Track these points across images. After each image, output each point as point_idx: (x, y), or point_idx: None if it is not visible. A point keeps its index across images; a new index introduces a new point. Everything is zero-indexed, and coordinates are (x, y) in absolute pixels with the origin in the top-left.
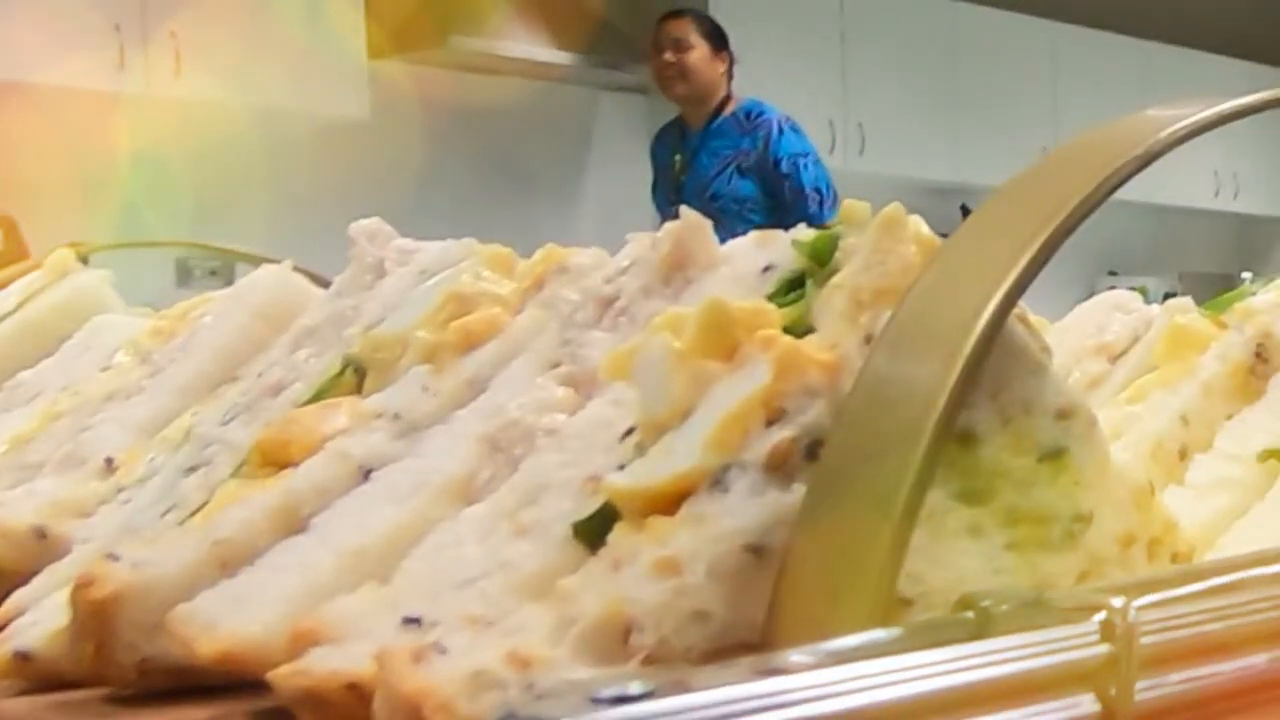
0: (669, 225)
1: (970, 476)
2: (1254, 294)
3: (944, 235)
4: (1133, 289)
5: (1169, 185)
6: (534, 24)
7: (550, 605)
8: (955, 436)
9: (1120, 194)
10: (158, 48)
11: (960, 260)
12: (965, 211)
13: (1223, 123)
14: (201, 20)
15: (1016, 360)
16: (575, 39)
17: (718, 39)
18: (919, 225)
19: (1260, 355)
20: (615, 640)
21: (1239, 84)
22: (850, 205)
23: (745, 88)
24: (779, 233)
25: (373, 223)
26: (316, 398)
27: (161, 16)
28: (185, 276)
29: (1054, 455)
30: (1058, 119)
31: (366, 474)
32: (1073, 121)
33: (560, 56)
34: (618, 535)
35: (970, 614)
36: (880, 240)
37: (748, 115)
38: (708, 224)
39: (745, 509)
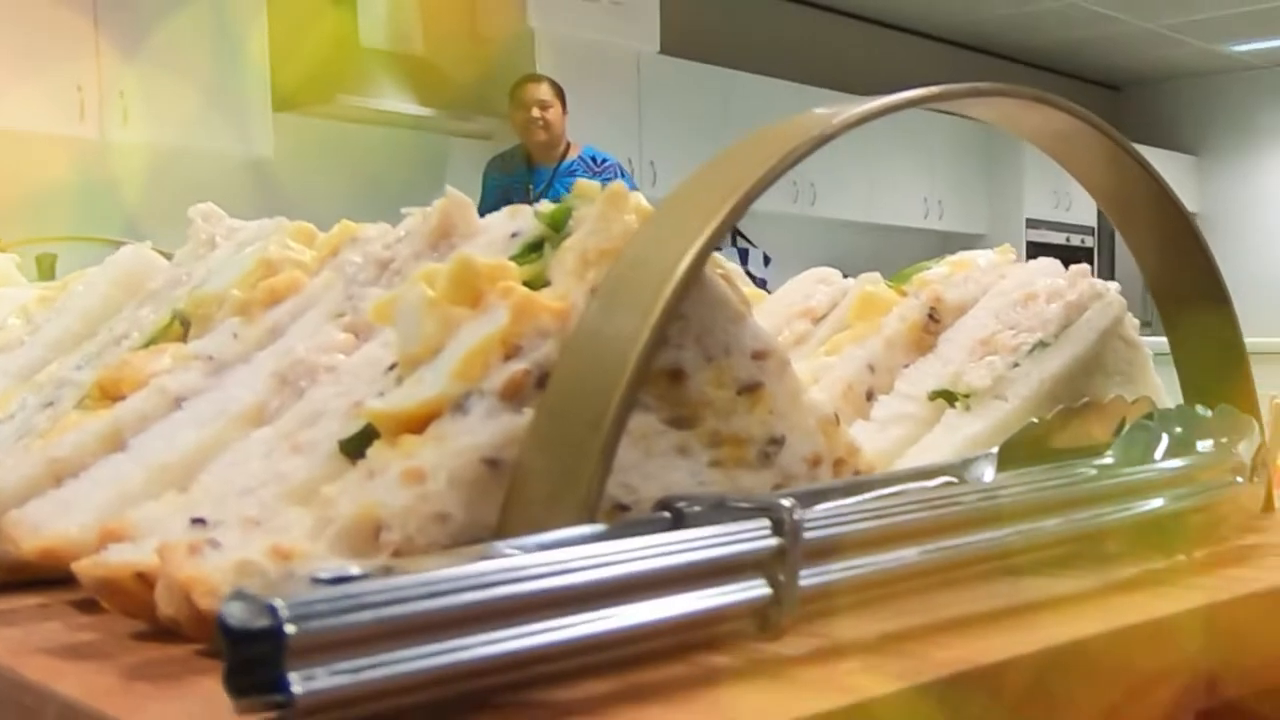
0: (438, 201)
1: (679, 405)
2: (929, 269)
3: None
4: None
5: (888, 208)
6: (403, 84)
7: (313, 508)
8: (666, 373)
9: (849, 215)
10: (110, 103)
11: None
12: (736, 233)
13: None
14: (145, 82)
15: (719, 310)
16: (435, 96)
17: (563, 98)
18: (639, 199)
19: (933, 316)
20: (367, 537)
21: (947, 133)
22: (582, 184)
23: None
24: (526, 206)
25: (206, 206)
26: (148, 344)
27: (114, 79)
28: None
29: (751, 389)
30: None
31: (180, 404)
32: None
33: (423, 110)
34: (375, 450)
35: (666, 514)
36: (606, 211)
37: (594, 159)
38: (470, 201)
39: (483, 428)
